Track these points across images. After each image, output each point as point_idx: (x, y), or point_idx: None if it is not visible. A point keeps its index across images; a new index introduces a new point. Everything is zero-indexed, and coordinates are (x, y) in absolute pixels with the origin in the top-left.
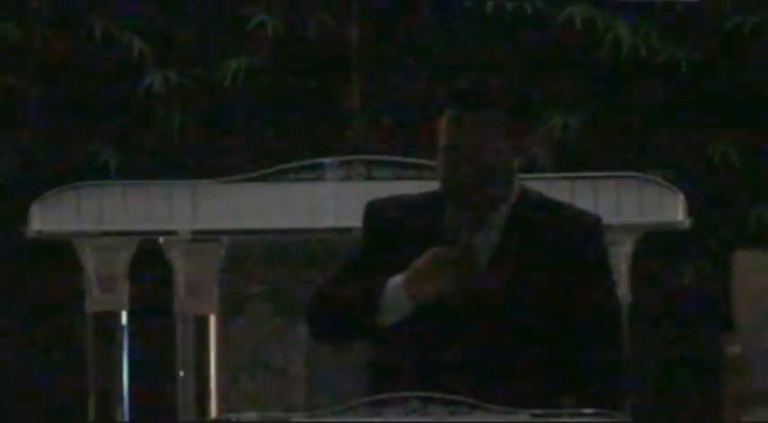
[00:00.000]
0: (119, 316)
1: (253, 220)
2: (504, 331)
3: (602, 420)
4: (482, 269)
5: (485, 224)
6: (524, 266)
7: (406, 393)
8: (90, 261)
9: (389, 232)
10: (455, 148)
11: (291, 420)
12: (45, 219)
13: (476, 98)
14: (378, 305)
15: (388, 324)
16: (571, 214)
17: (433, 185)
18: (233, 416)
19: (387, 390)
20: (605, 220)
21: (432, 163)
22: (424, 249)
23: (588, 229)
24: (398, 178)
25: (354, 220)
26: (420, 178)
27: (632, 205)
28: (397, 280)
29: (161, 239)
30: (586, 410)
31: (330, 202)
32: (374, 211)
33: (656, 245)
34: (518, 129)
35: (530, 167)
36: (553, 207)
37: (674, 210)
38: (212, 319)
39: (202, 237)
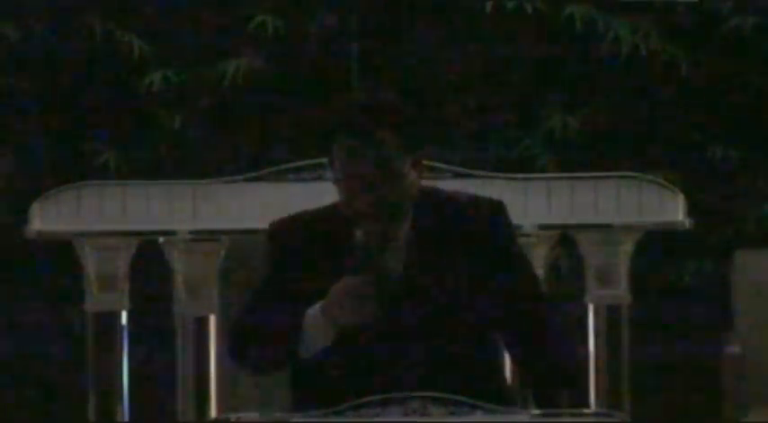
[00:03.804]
0: (119, 316)
1: (253, 220)
2: (434, 340)
3: (602, 420)
4: (396, 287)
5: (391, 240)
6: (437, 270)
7: (406, 393)
8: (90, 261)
9: (297, 253)
10: (352, 178)
11: (291, 420)
12: (45, 219)
13: (365, 124)
14: (299, 337)
15: (311, 353)
16: (470, 205)
17: (431, 186)
18: (233, 416)
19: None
20: (605, 221)
21: (432, 163)
22: (336, 266)
23: (489, 216)
24: None
25: None
26: (419, 178)
27: (632, 205)
28: (313, 311)
29: (161, 239)
30: (586, 410)
31: (330, 203)
32: (277, 233)
33: (656, 245)
34: (412, 144)
35: (530, 167)
36: (452, 202)
37: (674, 210)
38: (212, 319)
39: (202, 237)
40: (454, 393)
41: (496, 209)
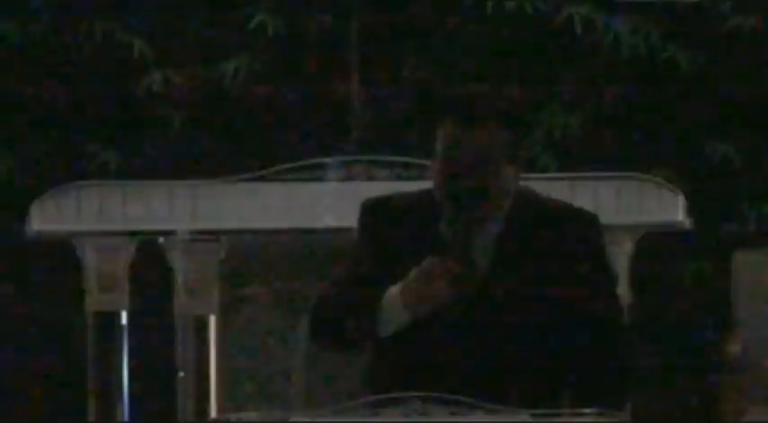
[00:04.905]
0: (119, 316)
1: (253, 220)
2: (506, 338)
3: (602, 420)
4: (480, 277)
5: (482, 230)
6: (523, 272)
7: (405, 393)
8: (90, 261)
9: (386, 233)
10: (454, 161)
11: (291, 420)
12: (45, 219)
13: (478, 111)
14: (376, 317)
15: (387, 334)
16: (567, 215)
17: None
18: (233, 416)
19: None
20: (605, 221)
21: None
22: (422, 251)
23: (585, 229)
24: (398, 178)
25: (354, 220)
26: (420, 178)
27: (632, 205)
28: (394, 291)
29: (161, 239)
30: (586, 410)
31: (330, 202)
32: (369, 210)
33: (656, 245)
34: (515, 137)
35: (530, 167)
36: (549, 208)
37: (674, 210)
38: (212, 319)
39: (202, 237)
40: (512, 395)
41: (591, 221)
